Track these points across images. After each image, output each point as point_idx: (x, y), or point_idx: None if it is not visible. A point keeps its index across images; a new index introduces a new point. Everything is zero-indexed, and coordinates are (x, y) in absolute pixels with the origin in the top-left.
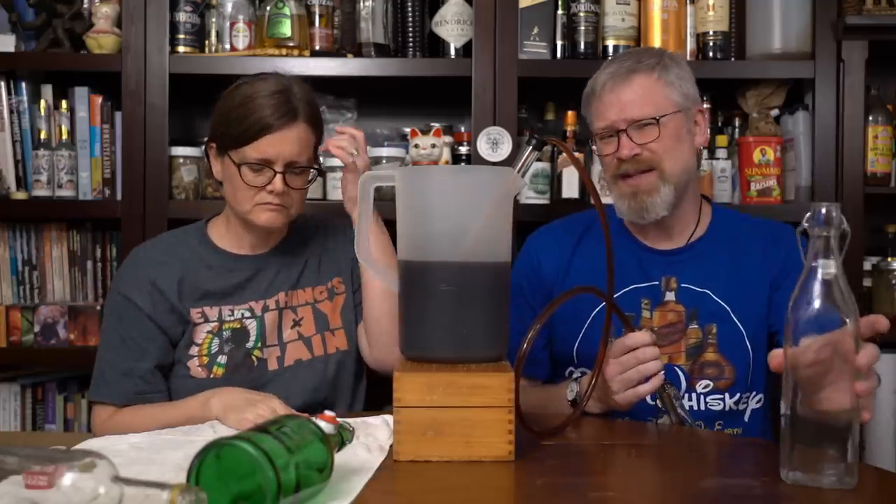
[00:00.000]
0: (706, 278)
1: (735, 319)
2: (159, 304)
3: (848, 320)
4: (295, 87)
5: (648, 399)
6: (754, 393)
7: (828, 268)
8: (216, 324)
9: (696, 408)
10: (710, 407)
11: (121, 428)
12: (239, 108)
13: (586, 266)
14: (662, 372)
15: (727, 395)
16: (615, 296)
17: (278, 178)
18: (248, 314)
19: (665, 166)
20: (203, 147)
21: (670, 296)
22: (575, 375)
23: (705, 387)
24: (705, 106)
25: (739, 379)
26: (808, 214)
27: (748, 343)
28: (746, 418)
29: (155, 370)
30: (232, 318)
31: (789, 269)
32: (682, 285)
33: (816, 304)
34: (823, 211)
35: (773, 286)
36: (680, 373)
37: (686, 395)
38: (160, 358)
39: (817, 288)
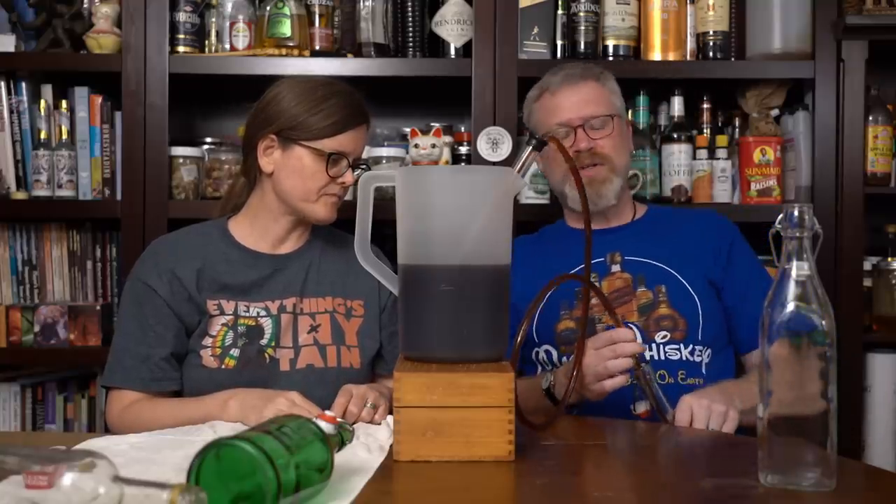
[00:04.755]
0: (648, 250)
1: (680, 278)
2: (178, 293)
3: (823, 322)
4: (356, 91)
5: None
6: (706, 348)
7: (801, 269)
8: (231, 317)
9: (656, 357)
10: (669, 357)
11: (139, 419)
12: (324, 102)
13: (535, 269)
14: (633, 360)
15: (682, 345)
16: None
17: (350, 171)
18: (263, 313)
19: (615, 161)
20: (250, 141)
21: (615, 268)
22: (541, 356)
23: (663, 337)
24: (705, 106)
25: (691, 330)
26: (781, 216)
27: (695, 297)
28: (704, 370)
29: (170, 357)
30: (247, 315)
31: (729, 243)
32: (626, 258)
33: (790, 305)
34: (796, 213)
35: (716, 251)
36: (635, 328)
37: (647, 346)
38: (176, 346)
39: (791, 289)
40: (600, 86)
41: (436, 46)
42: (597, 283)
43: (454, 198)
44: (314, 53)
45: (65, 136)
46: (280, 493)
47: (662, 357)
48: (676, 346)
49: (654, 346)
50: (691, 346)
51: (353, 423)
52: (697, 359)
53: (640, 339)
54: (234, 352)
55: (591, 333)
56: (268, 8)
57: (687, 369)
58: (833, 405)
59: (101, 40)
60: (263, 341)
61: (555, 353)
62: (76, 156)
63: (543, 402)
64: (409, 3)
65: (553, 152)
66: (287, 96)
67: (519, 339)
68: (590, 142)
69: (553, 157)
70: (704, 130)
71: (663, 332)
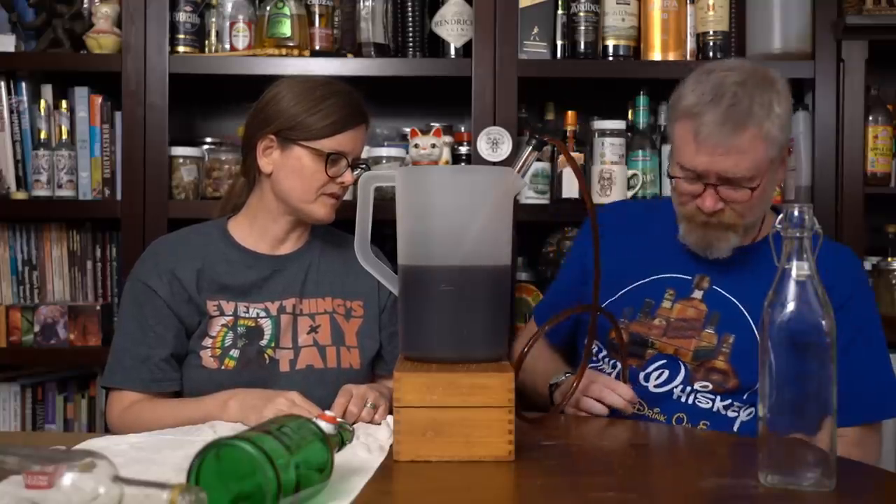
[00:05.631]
0: (739, 287)
1: (756, 332)
2: (178, 293)
3: (823, 322)
4: (355, 91)
5: None
6: (748, 406)
7: (801, 269)
8: (231, 318)
9: (684, 400)
10: (698, 403)
11: (139, 419)
12: (322, 102)
13: (621, 254)
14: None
15: (719, 397)
16: (643, 281)
17: (349, 171)
18: (262, 313)
19: (745, 222)
20: (249, 141)
21: (698, 293)
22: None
23: (704, 387)
24: None
25: (740, 390)
26: (781, 216)
27: None
28: (735, 428)
29: (170, 358)
30: (247, 315)
31: (846, 297)
32: (713, 287)
33: (790, 305)
34: (797, 213)
35: None
36: (682, 366)
37: (682, 386)
38: (176, 347)
39: (791, 289)
40: (761, 135)
41: (436, 46)
42: (670, 304)
43: (454, 198)
44: (314, 53)
45: (65, 136)
46: (280, 493)
47: (689, 401)
48: (712, 397)
49: (688, 388)
50: (730, 400)
51: (353, 423)
52: (732, 414)
53: (680, 378)
54: (234, 352)
55: (638, 353)
56: (268, 8)
57: (712, 421)
58: (833, 405)
59: (101, 40)
60: (263, 342)
61: (604, 352)
62: (76, 156)
63: (545, 390)
64: (409, 3)
65: (674, 187)
66: (286, 96)
67: (526, 349)
68: (717, 204)
69: (674, 190)
70: None
71: (707, 384)
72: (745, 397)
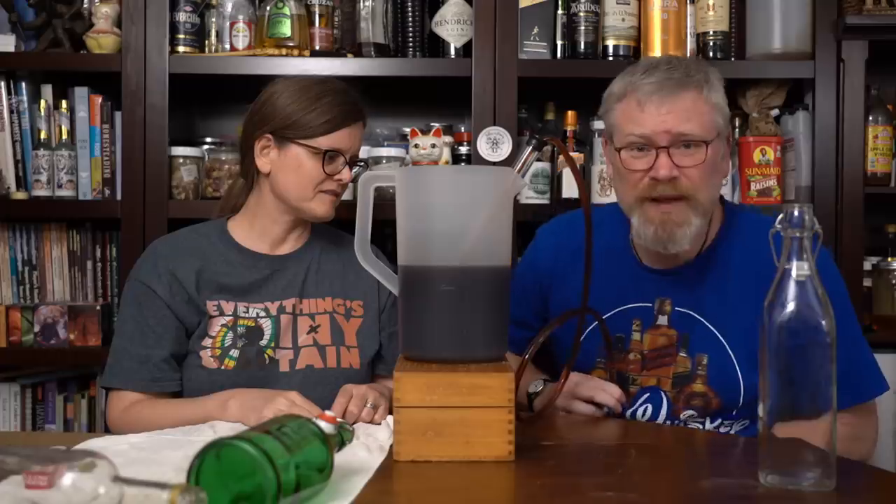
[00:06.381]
0: (701, 303)
1: (728, 349)
2: (177, 294)
3: (823, 322)
4: (351, 89)
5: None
6: (738, 421)
7: (801, 269)
8: (231, 318)
9: None
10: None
11: (139, 419)
12: (318, 100)
13: (578, 287)
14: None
15: (707, 419)
16: (606, 315)
17: (347, 168)
18: (262, 314)
19: (700, 196)
20: (246, 141)
21: (663, 319)
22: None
23: (690, 416)
24: None
25: (724, 409)
26: (781, 216)
27: (740, 376)
28: None
29: (170, 358)
30: (247, 316)
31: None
32: (676, 308)
33: (790, 305)
34: (797, 213)
35: None
36: (664, 398)
37: (667, 421)
38: (175, 347)
39: (791, 289)
40: (703, 98)
41: (436, 46)
42: (639, 335)
43: (454, 198)
44: (314, 53)
45: (65, 136)
46: (280, 493)
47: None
48: (701, 421)
49: (676, 422)
50: (719, 419)
51: (353, 423)
52: (724, 430)
53: (664, 411)
54: (234, 353)
55: (623, 385)
56: (268, 8)
57: None
58: (833, 405)
59: (101, 40)
60: (263, 342)
61: None
62: (76, 156)
63: (522, 398)
64: (409, 3)
65: (623, 167)
66: (282, 95)
67: (527, 356)
68: (672, 170)
69: (624, 174)
70: None
71: (691, 411)
72: (733, 413)
